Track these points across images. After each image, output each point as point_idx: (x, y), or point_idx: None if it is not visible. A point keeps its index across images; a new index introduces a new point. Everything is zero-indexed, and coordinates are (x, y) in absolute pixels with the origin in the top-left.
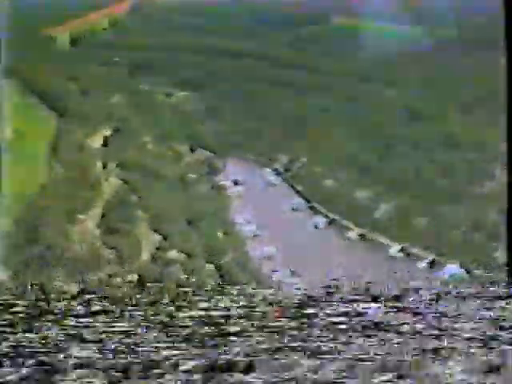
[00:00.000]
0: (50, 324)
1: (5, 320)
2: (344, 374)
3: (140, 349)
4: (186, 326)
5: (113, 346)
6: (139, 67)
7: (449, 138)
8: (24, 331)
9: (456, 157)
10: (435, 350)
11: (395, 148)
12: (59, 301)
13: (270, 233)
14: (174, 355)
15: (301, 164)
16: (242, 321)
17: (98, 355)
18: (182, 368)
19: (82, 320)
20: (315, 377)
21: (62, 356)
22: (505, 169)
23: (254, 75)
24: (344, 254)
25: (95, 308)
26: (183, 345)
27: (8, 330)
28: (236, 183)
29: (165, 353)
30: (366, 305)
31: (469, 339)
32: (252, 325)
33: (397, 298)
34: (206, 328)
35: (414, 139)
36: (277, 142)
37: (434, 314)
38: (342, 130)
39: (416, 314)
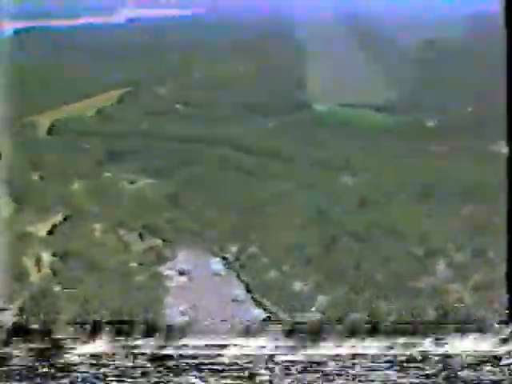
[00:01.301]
0: None
1: None
2: None
3: None
4: None
5: None
6: (112, 154)
7: (393, 229)
8: None
9: (399, 249)
10: None
11: (340, 239)
12: None
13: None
14: None
15: (249, 254)
16: None
17: None
18: None
19: None
20: None
21: None
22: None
23: (224, 163)
24: None
25: None
26: None
27: None
28: (182, 273)
29: None
30: None
31: None
32: None
33: None
34: None
35: (360, 229)
36: (231, 231)
37: None
38: (295, 219)
39: None
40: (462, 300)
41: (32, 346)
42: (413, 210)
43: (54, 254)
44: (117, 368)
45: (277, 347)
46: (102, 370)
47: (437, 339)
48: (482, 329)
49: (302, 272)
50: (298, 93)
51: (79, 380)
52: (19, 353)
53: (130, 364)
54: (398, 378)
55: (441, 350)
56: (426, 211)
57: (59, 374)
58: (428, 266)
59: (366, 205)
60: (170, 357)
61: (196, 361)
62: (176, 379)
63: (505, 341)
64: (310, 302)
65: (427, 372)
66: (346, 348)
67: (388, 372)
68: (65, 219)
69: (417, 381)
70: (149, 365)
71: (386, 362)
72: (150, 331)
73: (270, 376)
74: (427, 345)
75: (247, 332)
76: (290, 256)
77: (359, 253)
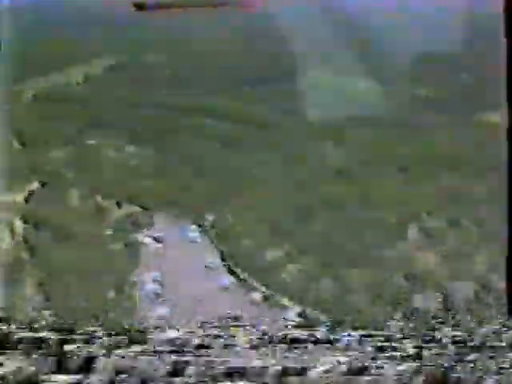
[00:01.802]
0: None
1: None
2: None
3: None
4: None
5: None
6: (96, 121)
7: (367, 199)
8: None
9: (372, 218)
10: None
11: (314, 209)
12: None
13: (172, 291)
14: None
15: (225, 223)
16: None
17: None
18: None
19: None
20: None
21: None
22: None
23: (210, 133)
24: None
25: None
26: None
27: None
28: (158, 240)
29: None
30: None
31: None
32: None
33: None
34: None
35: (335, 199)
36: (209, 199)
37: None
38: (271, 189)
39: None
40: (431, 268)
41: None
42: (391, 180)
43: (26, 221)
44: None
45: None
46: None
47: None
48: None
49: (274, 241)
50: (290, 62)
51: None
52: None
53: None
54: None
55: None
56: (404, 181)
57: None
58: (399, 235)
59: (343, 175)
60: None
61: None
62: None
63: None
64: (279, 270)
65: None
66: None
67: None
68: (42, 186)
69: None
70: None
71: None
72: None
73: None
74: None
75: None
76: (265, 225)
77: (332, 222)
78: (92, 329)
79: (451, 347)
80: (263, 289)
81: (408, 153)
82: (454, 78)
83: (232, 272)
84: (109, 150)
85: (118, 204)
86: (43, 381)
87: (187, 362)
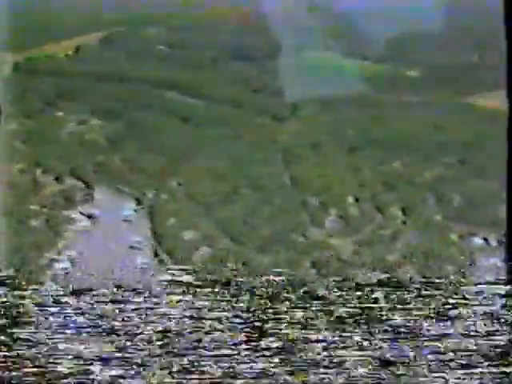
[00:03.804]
0: None
1: None
2: None
3: None
4: None
5: None
6: (68, 94)
7: (296, 181)
8: None
9: (296, 200)
10: None
11: (242, 189)
12: None
13: (84, 270)
14: None
15: (160, 201)
16: None
17: None
18: None
19: None
20: None
21: None
22: None
23: (173, 108)
24: None
25: None
26: None
27: None
28: (90, 216)
29: None
30: None
31: None
32: None
33: None
34: None
35: (264, 181)
36: (153, 176)
37: None
38: (211, 168)
39: None
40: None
41: None
42: (334, 162)
43: None
44: None
45: None
46: None
47: None
48: None
49: (195, 221)
50: (289, 39)
51: None
52: None
53: None
54: None
55: None
56: (347, 164)
57: None
58: (318, 219)
59: (287, 155)
60: None
61: None
62: None
63: None
64: (192, 252)
65: None
66: None
67: None
68: None
69: None
70: None
71: None
72: None
73: None
74: None
75: None
76: (192, 205)
77: (254, 204)
78: None
79: None
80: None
81: (366, 134)
82: (446, 58)
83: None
84: (71, 123)
85: (58, 179)
86: None
87: None
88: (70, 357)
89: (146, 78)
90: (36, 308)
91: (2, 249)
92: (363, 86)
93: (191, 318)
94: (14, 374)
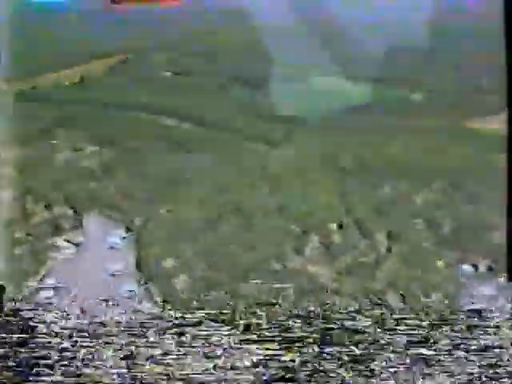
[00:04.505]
0: None
1: None
2: None
3: None
4: None
5: None
6: (65, 121)
7: (282, 207)
8: None
9: (280, 226)
10: None
11: (226, 215)
12: None
13: (65, 298)
14: None
15: (147, 228)
16: None
17: None
18: None
19: None
20: None
21: None
22: None
23: (171, 134)
24: None
25: None
26: None
27: None
28: (76, 244)
29: None
30: None
31: None
32: None
33: None
34: None
35: (250, 206)
36: (143, 203)
37: None
38: (199, 194)
39: None
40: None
41: None
42: (322, 187)
43: None
44: None
45: None
46: None
47: None
48: None
49: (178, 249)
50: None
51: None
52: None
53: None
54: None
55: None
56: (336, 189)
57: None
58: (300, 246)
59: (274, 182)
60: None
61: None
62: None
63: None
64: (172, 279)
65: None
66: None
67: None
68: None
69: None
70: None
71: None
72: None
73: None
74: None
75: None
76: (176, 232)
77: (238, 231)
78: None
79: None
80: (157, 298)
81: (357, 158)
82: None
83: (135, 280)
84: (67, 150)
85: (47, 206)
86: None
87: None
88: None
89: (147, 104)
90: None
91: None
92: (362, 109)
93: None
94: None
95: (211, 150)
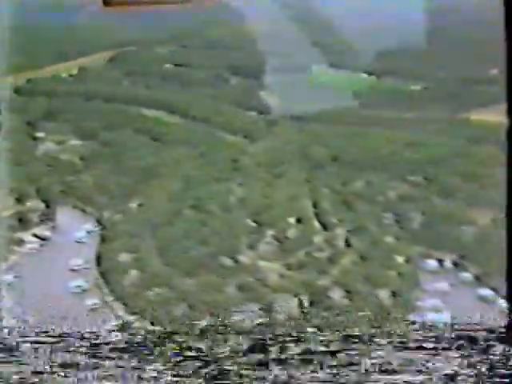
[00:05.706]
0: None
1: None
2: None
3: None
4: None
5: None
6: (52, 114)
7: (243, 201)
8: None
9: (238, 221)
10: None
11: (186, 210)
12: None
13: (22, 293)
14: None
15: (113, 222)
16: None
17: None
18: None
19: None
20: None
21: None
22: None
23: (153, 127)
24: None
25: None
26: None
27: None
28: (43, 238)
29: None
30: None
31: None
32: None
33: None
34: None
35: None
36: (115, 197)
37: None
38: (168, 189)
39: None
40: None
41: None
42: (288, 182)
43: None
44: None
45: None
46: None
47: None
48: None
49: (135, 244)
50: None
51: None
52: None
53: None
54: None
55: None
56: (305, 183)
57: None
58: (254, 241)
59: (242, 174)
60: None
61: None
62: None
63: None
64: (123, 274)
65: None
66: None
67: None
68: None
69: None
70: None
71: None
72: None
73: None
74: None
75: None
76: (139, 226)
77: (195, 225)
78: None
79: None
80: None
81: (334, 150)
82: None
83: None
84: (50, 143)
85: (18, 199)
86: None
87: None
88: None
89: (137, 97)
90: None
91: None
92: (358, 100)
93: None
94: None
95: (190, 144)
